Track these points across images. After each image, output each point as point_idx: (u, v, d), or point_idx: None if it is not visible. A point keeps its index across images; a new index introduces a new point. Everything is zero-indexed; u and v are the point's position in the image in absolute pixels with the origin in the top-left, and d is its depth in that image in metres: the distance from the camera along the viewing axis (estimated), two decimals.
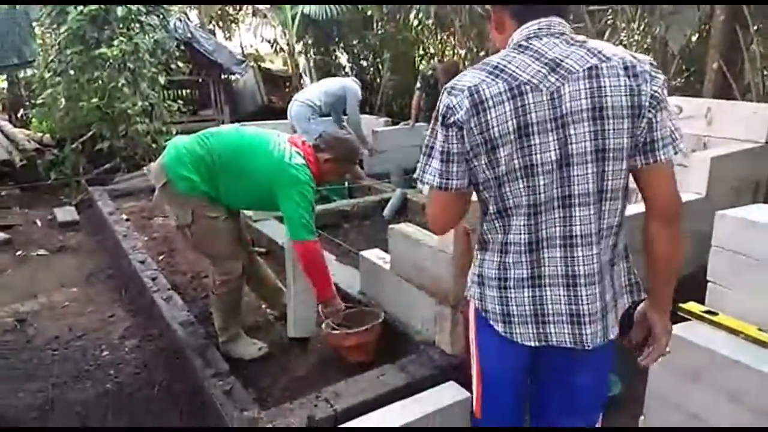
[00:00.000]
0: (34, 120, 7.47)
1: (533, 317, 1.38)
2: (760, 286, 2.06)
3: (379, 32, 9.47)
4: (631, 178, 1.36)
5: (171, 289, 3.49)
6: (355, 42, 10.39)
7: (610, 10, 5.47)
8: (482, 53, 7.39)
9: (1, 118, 8.25)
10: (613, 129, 1.25)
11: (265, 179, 2.63)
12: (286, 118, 6.10)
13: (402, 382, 2.41)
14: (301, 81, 10.18)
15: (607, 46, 1.29)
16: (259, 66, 11.92)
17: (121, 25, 6.17)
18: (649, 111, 1.26)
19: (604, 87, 1.23)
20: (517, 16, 1.32)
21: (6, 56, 6.97)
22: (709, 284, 2.25)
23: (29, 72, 7.35)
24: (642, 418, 2.19)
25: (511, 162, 1.27)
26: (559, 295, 1.35)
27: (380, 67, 10.10)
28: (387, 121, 7.42)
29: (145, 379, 2.82)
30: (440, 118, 1.31)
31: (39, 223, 5.47)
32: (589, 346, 1.36)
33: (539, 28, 1.29)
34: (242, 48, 12.78)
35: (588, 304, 1.34)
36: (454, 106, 1.28)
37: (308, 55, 11.18)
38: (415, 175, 1.41)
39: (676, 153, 1.31)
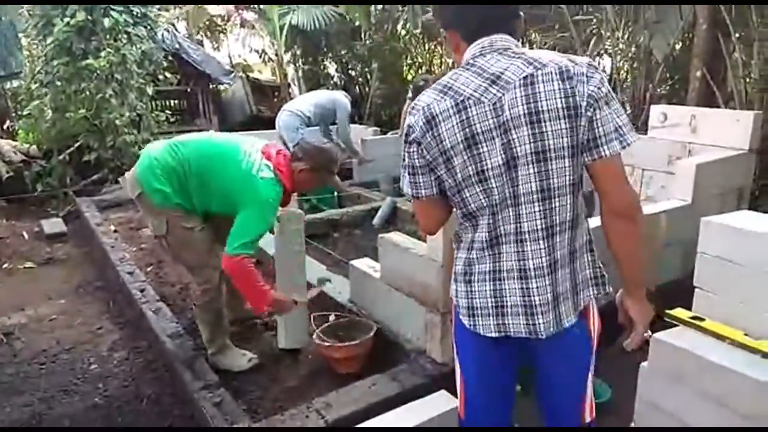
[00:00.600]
0: (20, 131, 7.40)
1: (494, 309, 1.47)
2: (746, 291, 2.09)
3: (368, 42, 9.51)
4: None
5: (160, 300, 3.47)
6: (343, 52, 10.43)
7: (594, 20, 5.54)
8: None
9: None
10: (551, 131, 1.33)
11: (232, 190, 2.59)
12: (274, 128, 6.10)
13: (393, 391, 2.41)
14: (290, 91, 10.20)
15: (545, 55, 1.38)
16: (248, 76, 11.93)
17: (108, 36, 6.15)
18: (587, 110, 1.33)
19: (539, 93, 1.33)
20: (467, 37, 1.44)
21: None
22: (695, 290, 2.27)
23: (15, 83, 7.30)
24: (632, 424, 2.21)
25: (466, 169, 1.39)
26: (514, 288, 1.44)
27: (368, 76, 10.14)
28: (375, 131, 7.45)
29: (134, 392, 2.79)
30: (404, 136, 1.47)
31: (26, 235, 5.41)
32: (542, 336, 1.44)
33: (483, 47, 1.41)
34: (230, 58, 12.80)
35: (539, 296, 1.42)
36: (412, 124, 1.43)
37: (297, 65, 11.21)
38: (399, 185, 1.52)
39: (623, 147, 1.37)
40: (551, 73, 1.32)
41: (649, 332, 1.60)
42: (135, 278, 3.81)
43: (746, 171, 3.48)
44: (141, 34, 6.59)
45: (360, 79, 10.57)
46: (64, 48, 6.08)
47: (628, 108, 5.31)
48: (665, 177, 3.72)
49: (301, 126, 5.72)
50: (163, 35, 8.01)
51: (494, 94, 1.34)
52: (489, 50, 1.39)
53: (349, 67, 10.88)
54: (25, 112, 6.57)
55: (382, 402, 2.33)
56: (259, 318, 3.31)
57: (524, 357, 1.57)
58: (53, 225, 5.54)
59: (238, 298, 3.15)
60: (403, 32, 9.32)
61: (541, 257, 1.40)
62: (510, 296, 1.44)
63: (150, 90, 6.84)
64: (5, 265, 4.61)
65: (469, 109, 1.35)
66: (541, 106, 1.32)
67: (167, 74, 7.32)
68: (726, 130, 3.42)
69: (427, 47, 9.94)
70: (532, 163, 1.35)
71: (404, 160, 1.49)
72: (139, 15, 6.66)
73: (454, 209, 1.54)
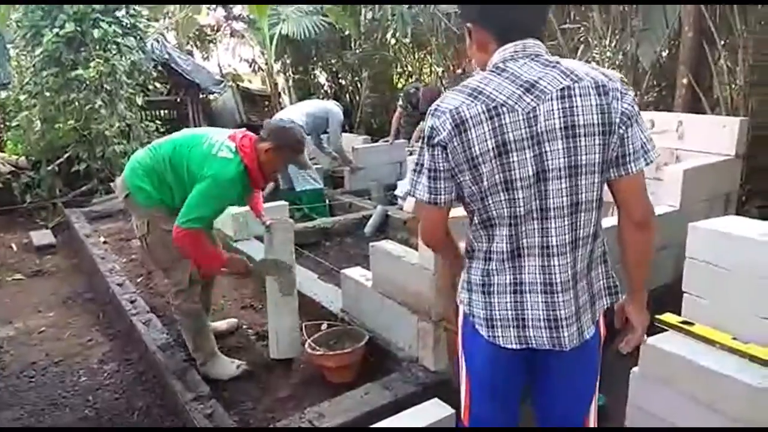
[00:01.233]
0: (9, 142, 7.35)
1: (514, 321, 1.45)
2: (734, 296, 2.11)
3: (357, 51, 9.55)
4: (606, 188, 1.43)
5: (150, 311, 3.45)
6: (333, 61, 10.46)
7: (582, 28, 5.59)
8: (459, 71, 7.49)
9: None
10: (585, 145, 1.32)
11: (195, 173, 2.62)
12: None
13: (386, 400, 2.41)
14: (280, 100, 10.20)
15: (579, 66, 1.36)
16: (238, 85, 11.93)
17: (97, 47, 6.13)
18: (620, 127, 1.34)
19: (576, 107, 1.31)
20: (498, 36, 1.38)
21: None
22: (684, 295, 2.29)
23: (4, 94, 7.25)
24: None
25: (493, 177, 1.34)
26: (538, 302, 1.42)
27: (359, 85, 10.17)
28: (366, 139, 7.46)
29: (124, 404, 2.77)
30: (426, 139, 1.39)
31: (14, 247, 5.37)
32: (566, 348, 1.44)
33: (515, 51, 1.35)
34: (220, 68, 12.80)
35: (564, 309, 1.41)
36: (437, 127, 1.36)
37: (287, 75, 11.23)
38: (404, 191, 1.49)
39: (647, 164, 1.39)
40: (588, 87, 1.31)
41: (646, 336, 1.61)
42: (125, 289, 3.79)
43: (733, 176, 3.51)
44: (130, 45, 6.58)
45: (350, 88, 10.60)
46: (53, 59, 6.06)
47: None
48: (653, 183, 3.73)
49: None
50: (152, 45, 8.01)
51: (528, 103, 1.31)
52: (521, 55, 1.35)
53: (339, 76, 10.91)
54: (13, 123, 6.54)
55: (375, 411, 2.32)
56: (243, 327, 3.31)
57: (537, 367, 1.55)
58: (42, 236, 5.49)
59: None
60: (393, 41, 9.36)
61: (567, 271, 1.40)
62: (532, 309, 1.43)
63: (140, 100, 6.82)
64: None
65: (502, 116, 1.31)
66: (578, 121, 1.30)
67: (157, 84, 7.31)
68: (713, 136, 3.46)
69: (416, 56, 9.99)
70: (565, 178, 1.34)
71: (423, 163, 1.42)
72: (128, 26, 6.64)
73: (469, 217, 1.51)
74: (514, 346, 1.46)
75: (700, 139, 3.51)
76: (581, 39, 5.70)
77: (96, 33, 6.04)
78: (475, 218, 1.46)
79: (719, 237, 2.15)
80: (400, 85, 9.72)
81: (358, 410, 2.34)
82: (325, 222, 5.23)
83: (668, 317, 2.19)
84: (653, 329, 2.04)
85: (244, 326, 3.44)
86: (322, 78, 11.50)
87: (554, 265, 1.39)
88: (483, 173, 1.34)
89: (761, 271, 2.02)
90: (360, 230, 5.18)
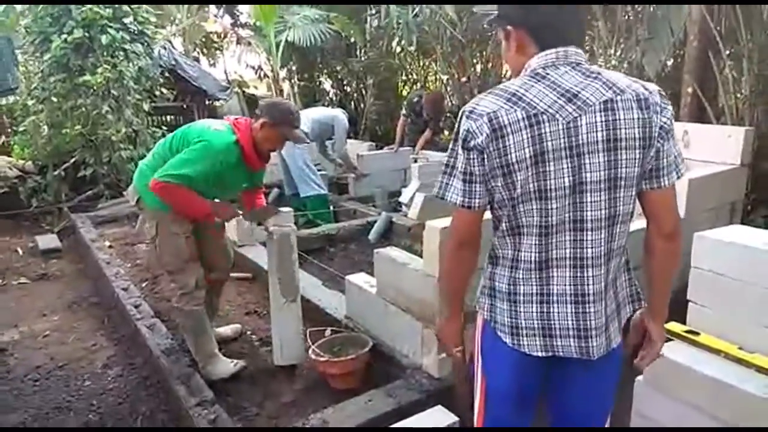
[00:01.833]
0: (16, 147, 7.39)
1: (540, 330, 1.44)
2: (739, 305, 2.10)
3: (363, 59, 9.58)
4: None
5: (154, 316, 3.46)
6: (338, 68, 10.49)
7: (587, 37, 5.61)
8: (464, 79, 7.51)
9: None
10: (626, 159, 1.32)
11: (191, 144, 2.69)
12: None
13: (390, 407, 2.41)
14: None
15: (621, 78, 1.35)
16: (244, 92, 11.95)
17: (105, 53, 6.17)
18: (658, 141, 1.34)
19: (619, 120, 1.30)
20: (540, 40, 1.36)
21: None
22: (689, 304, 2.28)
23: (11, 99, 7.30)
24: None
25: (527, 185, 1.33)
26: (566, 312, 1.42)
27: (364, 92, 10.21)
28: (371, 146, 7.48)
29: (128, 409, 2.77)
30: (461, 141, 1.37)
31: (20, 251, 5.40)
32: (594, 357, 1.43)
33: (557, 57, 1.34)
34: (227, 74, 12.84)
35: (595, 320, 1.41)
36: (474, 130, 1.33)
37: (292, 81, 11.26)
38: (434, 192, 1.46)
39: (678, 177, 1.39)
40: (630, 100, 1.31)
41: (663, 352, 1.58)
42: (130, 294, 3.80)
43: (738, 186, 3.51)
44: (138, 51, 6.62)
45: (355, 95, 10.63)
46: (61, 64, 6.10)
47: None
48: None
49: None
50: (159, 52, 8.04)
51: (570, 113, 1.30)
52: (562, 62, 1.34)
53: (345, 83, 10.94)
54: (20, 128, 6.57)
55: (378, 418, 2.32)
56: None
57: (561, 375, 1.54)
58: (48, 241, 5.52)
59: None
60: (398, 49, 9.40)
61: (600, 282, 1.40)
62: (560, 319, 1.42)
63: (146, 106, 6.85)
64: None
65: (542, 125, 1.29)
66: (620, 134, 1.30)
67: (163, 90, 7.33)
68: (718, 146, 3.46)
69: (421, 63, 10.02)
70: (604, 191, 1.33)
71: (456, 166, 1.39)
72: (136, 32, 6.69)
73: (495, 222, 1.49)
74: (539, 354, 1.45)
75: (706, 149, 3.51)
76: (586, 48, 5.72)
77: (104, 39, 6.08)
78: (503, 224, 1.44)
79: (724, 246, 2.15)
80: (405, 93, 9.75)
81: (362, 417, 2.34)
82: (329, 228, 5.24)
83: (673, 326, 2.19)
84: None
85: (248, 332, 3.44)
86: (327, 85, 11.54)
87: (588, 276, 1.39)
88: (517, 180, 1.33)
89: (767, 281, 2.02)
90: (364, 237, 5.18)
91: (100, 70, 6.03)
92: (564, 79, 1.32)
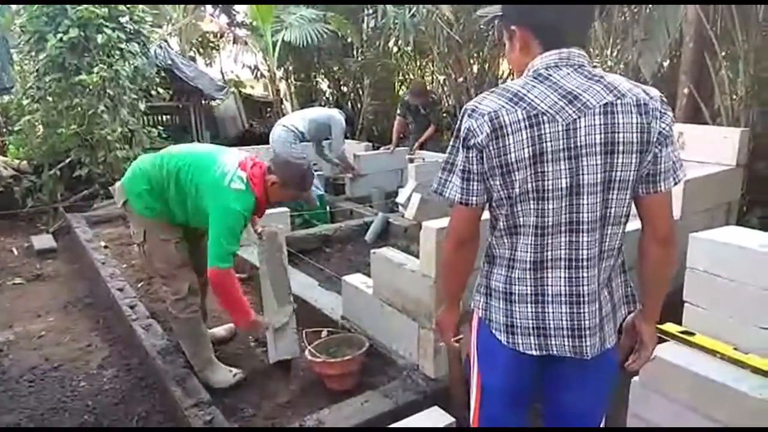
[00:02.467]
0: (11, 146, 7.37)
1: (535, 329, 1.46)
2: (734, 306, 2.11)
3: (360, 59, 9.59)
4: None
5: (150, 317, 3.45)
6: (335, 68, 10.50)
7: None
8: (460, 79, 7.51)
9: None
10: (622, 162, 1.32)
11: (204, 198, 2.64)
12: (266, 143, 6.12)
13: (386, 408, 2.41)
14: (282, 106, 10.23)
15: (622, 82, 1.35)
16: (240, 92, 11.97)
17: (101, 53, 6.16)
18: (656, 146, 1.35)
19: (618, 123, 1.31)
20: (544, 41, 1.36)
21: None
22: (685, 305, 2.29)
23: (6, 98, 7.28)
24: None
25: (525, 185, 1.34)
26: (561, 312, 1.43)
27: (361, 92, 10.21)
28: (368, 146, 7.48)
29: (124, 410, 2.76)
30: (461, 139, 1.38)
31: (15, 251, 5.37)
32: (588, 357, 1.44)
33: (560, 59, 1.34)
34: (223, 74, 12.83)
35: (589, 320, 1.43)
36: (474, 129, 1.34)
37: (289, 81, 11.26)
38: (432, 188, 1.47)
39: (676, 183, 1.40)
40: (630, 104, 1.31)
41: (655, 354, 1.61)
42: (125, 294, 3.78)
43: (734, 187, 3.52)
44: (134, 51, 6.60)
45: (352, 95, 10.63)
46: (57, 64, 6.08)
47: None
48: None
49: (295, 141, 5.74)
50: (155, 51, 8.03)
51: (569, 115, 1.30)
52: (565, 63, 1.34)
53: (341, 83, 10.95)
54: (16, 128, 6.55)
55: (375, 419, 2.32)
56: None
57: (555, 374, 1.55)
58: (43, 241, 5.50)
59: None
60: (395, 49, 9.40)
61: (594, 283, 1.41)
62: (554, 319, 1.44)
63: (142, 106, 6.84)
64: None
65: (542, 125, 1.30)
66: (618, 138, 1.31)
67: (160, 90, 7.31)
68: (714, 147, 3.47)
69: (418, 64, 10.03)
70: (599, 193, 1.34)
71: (456, 163, 1.40)
72: (132, 31, 6.67)
73: (492, 222, 1.50)
74: (534, 352, 1.46)
75: (702, 150, 3.52)
76: None
77: (100, 39, 6.06)
78: (500, 223, 1.45)
79: (720, 247, 2.16)
80: (401, 93, 9.75)
81: (358, 418, 2.34)
82: (326, 228, 5.23)
83: (669, 327, 2.19)
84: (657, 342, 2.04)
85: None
86: (324, 85, 11.54)
87: (582, 277, 1.40)
88: (516, 180, 1.34)
89: (762, 282, 2.02)
90: (361, 237, 5.18)
91: (95, 69, 6.01)
92: (566, 80, 1.33)
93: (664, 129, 1.34)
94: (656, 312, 1.54)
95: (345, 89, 10.90)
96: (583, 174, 1.32)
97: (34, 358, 3.30)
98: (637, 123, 1.31)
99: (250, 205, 2.64)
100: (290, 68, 11.02)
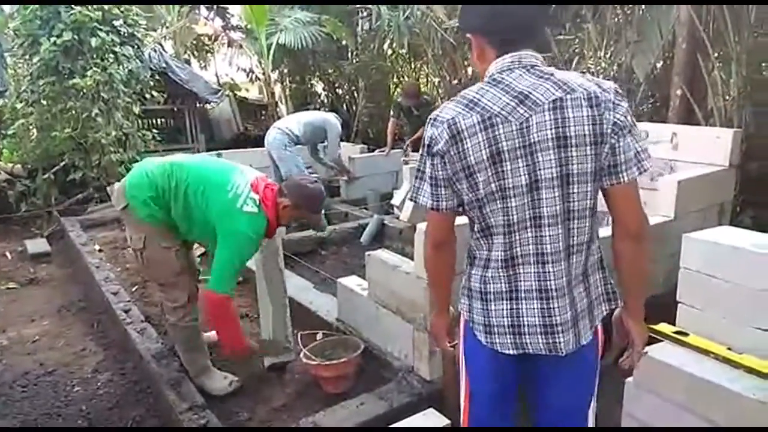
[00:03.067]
0: (4, 150, 7.34)
1: (510, 327, 1.48)
2: (728, 306, 2.12)
3: (354, 61, 9.59)
4: (602, 200, 1.45)
5: (145, 321, 3.43)
6: (330, 71, 10.50)
7: (577, 39, 5.63)
8: (455, 81, 7.52)
9: None
10: (576, 156, 1.35)
11: (213, 218, 2.59)
12: (261, 146, 6.12)
13: (382, 410, 2.41)
14: (277, 109, 10.23)
15: (573, 78, 1.38)
16: (235, 95, 11.95)
17: (95, 56, 6.14)
18: (612, 137, 1.36)
19: (568, 118, 1.34)
20: (497, 47, 1.42)
21: None
22: (678, 305, 2.30)
23: (0, 102, 7.25)
24: None
25: (488, 186, 1.39)
26: (533, 308, 1.45)
27: (355, 95, 10.21)
28: (363, 148, 7.48)
29: (118, 414, 2.75)
30: (426, 147, 1.45)
31: (9, 255, 5.34)
32: (562, 353, 1.46)
33: (512, 62, 1.40)
34: (218, 77, 12.83)
35: (560, 315, 1.44)
36: (436, 136, 1.41)
37: (284, 84, 11.25)
38: (409, 196, 1.51)
39: (640, 173, 1.40)
40: (580, 98, 1.34)
41: (646, 350, 1.61)
42: (120, 298, 3.77)
43: (727, 187, 3.54)
44: (128, 54, 6.58)
45: (347, 98, 10.63)
46: (51, 67, 6.06)
47: None
48: (648, 194, 3.75)
49: (290, 144, 5.74)
50: (150, 54, 8.01)
51: (521, 114, 1.35)
52: (518, 66, 1.39)
53: (336, 85, 10.95)
54: (9, 131, 6.52)
55: (371, 421, 2.32)
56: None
57: (534, 372, 1.57)
58: (37, 245, 5.48)
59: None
60: (390, 51, 9.41)
61: (562, 278, 1.43)
62: (528, 316, 1.46)
63: (137, 109, 6.82)
64: None
65: (496, 127, 1.35)
66: (569, 132, 1.33)
67: (154, 93, 7.29)
68: (707, 147, 3.48)
69: (413, 66, 10.04)
70: (557, 187, 1.37)
71: (424, 171, 1.47)
72: (126, 34, 6.66)
73: (471, 225, 1.54)
74: (510, 351, 1.49)
75: (695, 150, 3.54)
76: (576, 50, 5.75)
77: (93, 42, 6.05)
78: (476, 226, 1.50)
79: (713, 247, 2.16)
80: (396, 95, 9.76)
81: (354, 420, 2.34)
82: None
83: (663, 327, 2.20)
84: (648, 340, 2.05)
85: None
86: (319, 88, 11.54)
87: (549, 272, 1.42)
88: (479, 181, 1.39)
89: (755, 282, 2.03)
90: (356, 239, 5.18)
91: (89, 72, 6.00)
92: (518, 81, 1.38)
93: (618, 120, 1.36)
94: (640, 309, 1.54)
95: (340, 92, 10.91)
96: (539, 170, 1.36)
97: (28, 362, 3.28)
98: (588, 116, 1.33)
99: (262, 228, 2.61)
100: (285, 71, 11.02)
